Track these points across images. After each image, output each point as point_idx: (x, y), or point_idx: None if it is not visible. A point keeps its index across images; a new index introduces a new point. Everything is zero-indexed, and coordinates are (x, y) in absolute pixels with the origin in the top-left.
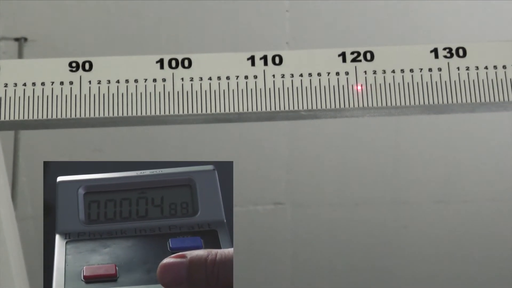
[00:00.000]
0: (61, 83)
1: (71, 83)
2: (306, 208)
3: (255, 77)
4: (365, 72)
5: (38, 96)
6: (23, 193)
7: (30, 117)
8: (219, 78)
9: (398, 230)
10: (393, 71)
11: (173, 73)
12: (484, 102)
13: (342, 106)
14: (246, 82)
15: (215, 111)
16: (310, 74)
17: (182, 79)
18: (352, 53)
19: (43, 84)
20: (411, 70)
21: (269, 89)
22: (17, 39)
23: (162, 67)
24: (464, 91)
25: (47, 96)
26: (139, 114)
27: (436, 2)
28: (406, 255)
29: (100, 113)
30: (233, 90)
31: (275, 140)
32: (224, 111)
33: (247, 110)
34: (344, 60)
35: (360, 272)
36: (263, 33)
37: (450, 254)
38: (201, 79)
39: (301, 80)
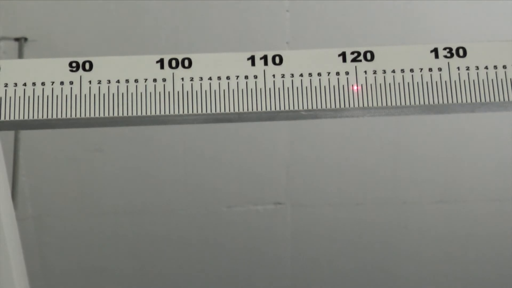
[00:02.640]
0: (61, 83)
1: (71, 83)
2: (306, 208)
3: (255, 77)
4: (365, 72)
5: (38, 96)
6: (23, 193)
7: (30, 117)
8: (219, 78)
9: (398, 230)
10: (393, 71)
11: (173, 73)
12: (484, 102)
13: (342, 106)
14: (246, 82)
15: (215, 111)
16: (310, 74)
17: (182, 79)
18: (352, 53)
19: (43, 84)
20: (411, 70)
21: (269, 89)
22: (17, 39)
23: (162, 67)
24: (464, 91)
25: (47, 96)
26: (139, 114)
27: (436, 2)
28: (406, 255)
29: (100, 113)
30: (233, 90)
31: (275, 140)
32: (224, 111)
33: (247, 110)
34: (344, 60)
35: (360, 272)
36: (263, 33)
37: (450, 254)
38: (201, 79)
39: (301, 80)
